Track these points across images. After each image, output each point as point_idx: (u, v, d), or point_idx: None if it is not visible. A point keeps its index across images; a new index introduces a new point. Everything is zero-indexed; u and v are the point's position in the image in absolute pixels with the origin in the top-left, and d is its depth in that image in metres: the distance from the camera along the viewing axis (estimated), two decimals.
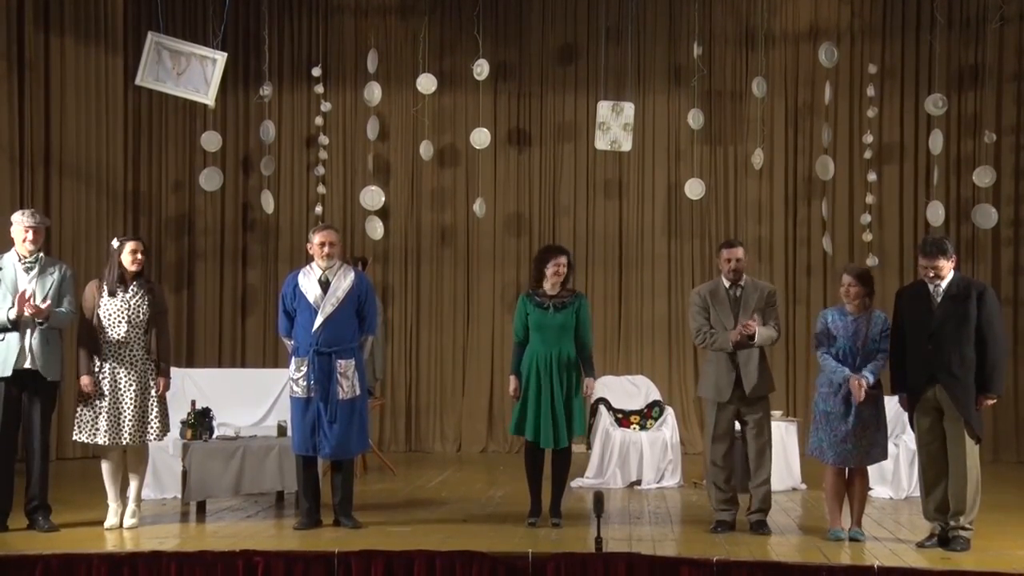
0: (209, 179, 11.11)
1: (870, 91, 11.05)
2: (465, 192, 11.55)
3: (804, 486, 8.83)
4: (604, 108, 10.87)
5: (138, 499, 7.03)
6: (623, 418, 9.29)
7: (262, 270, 11.55)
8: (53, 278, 6.86)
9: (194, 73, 9.84)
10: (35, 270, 6.82)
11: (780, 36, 11.48)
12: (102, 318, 6.85)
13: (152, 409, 6.89)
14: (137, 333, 6.87)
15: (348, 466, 7.09)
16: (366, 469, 9.59)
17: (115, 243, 6.99)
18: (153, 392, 6.90)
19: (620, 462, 8.97)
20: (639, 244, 11.53)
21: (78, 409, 6.87)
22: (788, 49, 11.49)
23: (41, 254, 6.90)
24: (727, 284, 7.08)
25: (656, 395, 9.64)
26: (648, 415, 9.32)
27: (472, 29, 11.25)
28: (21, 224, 6.85)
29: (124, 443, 6.85)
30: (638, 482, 8.95)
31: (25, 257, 6.84)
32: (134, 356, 6.86)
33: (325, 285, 6.95)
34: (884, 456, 6.90)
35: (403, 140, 11.62)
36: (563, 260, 7.18)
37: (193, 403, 7.68)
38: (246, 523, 7.22)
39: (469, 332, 11.53)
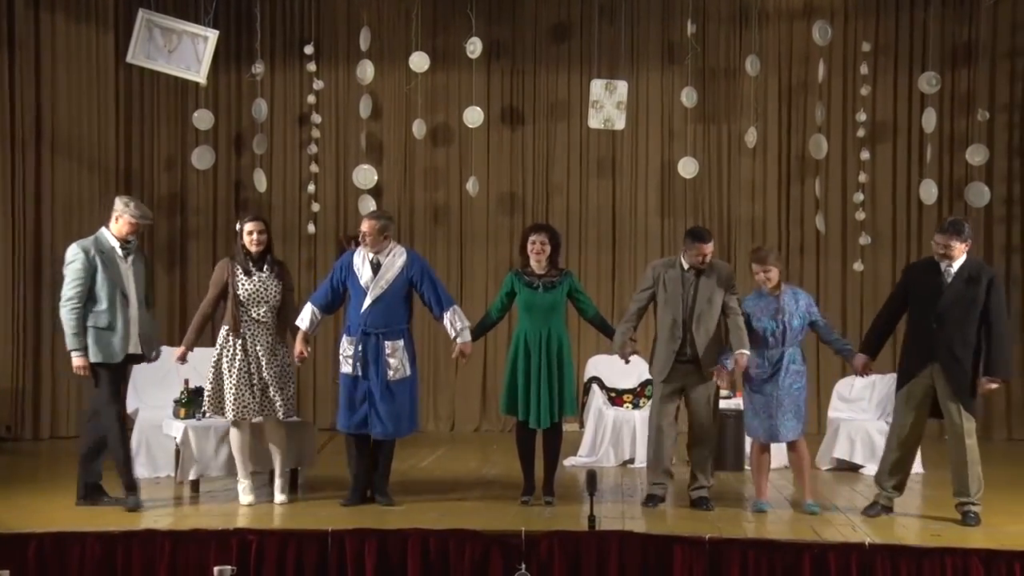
0: (201, 157, 11.06)
1: (863, 69, 11.02)
2: (458, 171, 11.52)
3: None
4: (597, 86, 10.84)
5: (284, 475, 7.19)
6: (616, 397, 9.30)
7: None
8: (144, 262, 6.98)
9: (185, 51, 9.78)
10: (132, 255, 6.89)
11: (774, 14, 11.43)
12: (241, 298, 6.97)
13: (288, 386, 7.08)
14: (271, 314, 7.04)
15: (389, 445, 7.16)
16: None
17: (238, 225, 7.13)
18: (288, 370, 7.08)
19: (613, 441, 8.99)
20: (632, 222, 11.51)
21: (213, 384, 7.00)
22: (782, 27, 11.45)
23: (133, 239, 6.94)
24: (685, 266, 7.02)
25: (648, 374, 9.64)
26: (641, 394, 9.33)
27: (465, 7, 11.17)
28: (130, 217, 6.81)
29: (262, 419, 7.03)
30: (631, 461, 8.97)
31: (125, 243, 6.87)
32: (269, 335, 7.03)
33: (376, 267, 7.02)
34: (801, 431, 6.93)
35: (396, 118, 11.57)
36: (541, 238, 7.16)
37: (187, 382, 7.69)
38: (239, 502, 7.22)
39: (462, 310, 11.49)
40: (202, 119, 11.01)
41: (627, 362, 7.34)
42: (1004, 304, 6.61)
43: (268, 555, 5.92)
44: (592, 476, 6.32)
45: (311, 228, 11.17)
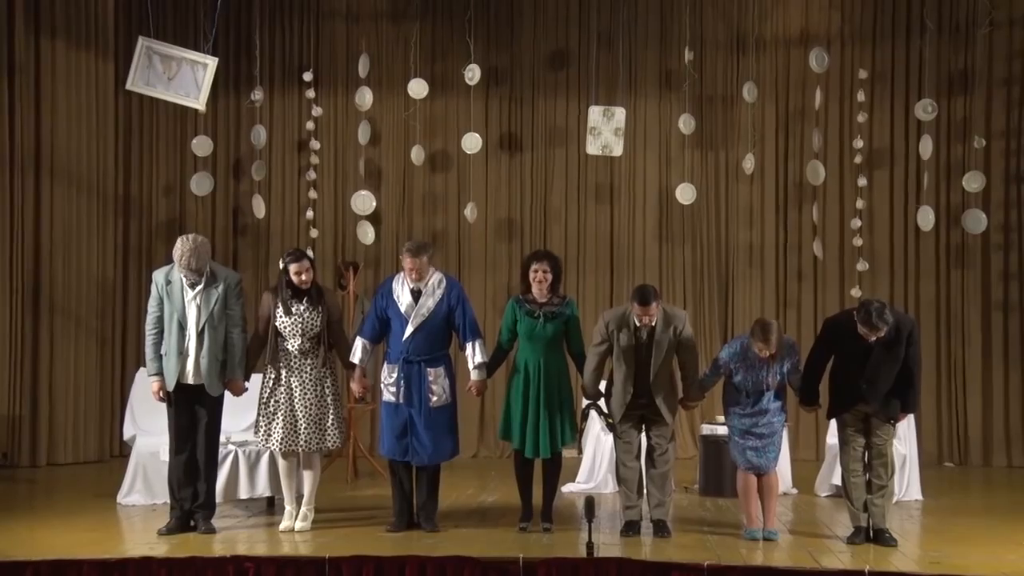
0: (200, 184, 11.08)
1: (860, 96, 11.07)
2: (456, 197, 11.54)
3: (795, 490, 8.84)
4: (595, 113, 10.88)
5: (310, 503, 7.15)
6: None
7: (253, 275, 11.50)
8: (218, 292, 6.92)
9: (185, 77, 9.82)
10: (200, 286, 6.89)
11: (771, 41, 11.49)
12: (280, 329, 7.00)
13: (328, 416, 7.02)
14: (311, 344, 7.02)
15: (434, 471, 7.14)
16: (357, 475, 9.59)
17: (281, 264, 7.15)
18: (330, 399, 7.03)
19: (611, 467, 8.94)
20: (630, 249, 11.52)
21: (258, 413, 7.05)
22: (779, 54, 11.51)
23: (207, 270, 6.94)
24: (637, 324, 6.92)
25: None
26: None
27: (464, 34, 11.24)
28: (174, 252, 6.91)
29: (300, 449, 7.01)
30: None
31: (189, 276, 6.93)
32: (308, 365, 7.00)
33: (416, 295, 7.04)
34: (775, 463, 7.11)
35: (394, 145, 11.60)
36: (544, 267, 7.12)
37: None
38: (237, 529, 7.20)
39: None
40: (201, 145, 11.04)
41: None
42: (919, 352, 6.90)
43: None
44: (590, 502, 6.29)
45: (309, 254, 11.15)
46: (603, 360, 7.12)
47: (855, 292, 10.94)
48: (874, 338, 6.59)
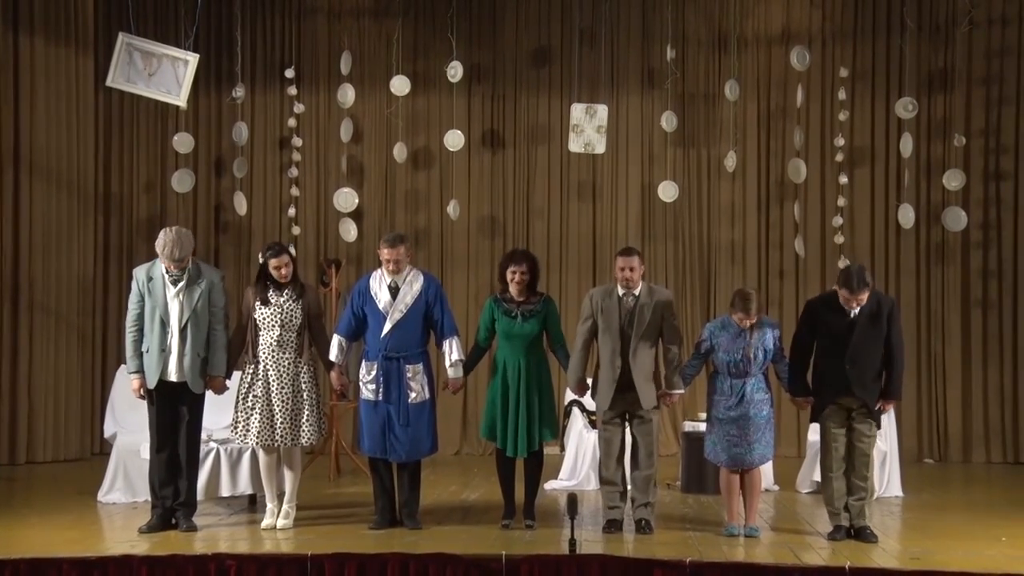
0: (181, 181, 11.04)
1: (841, 94, 11.12)
2: (439, 194, 11.53)
3: (777, 487, 8.88)
4: (577, 110, 10.89)
5: (292, 501, 7.11)
6: (596, 420, 9.28)
7: (235, 272, 11.44)
8: (201, 288, 6.89)
9: (166, 74, 9.78)
10: (183, 281, 6.86)
11: (752, 39, 11.52)
12: (258, 322, 6.97)
13: (303, 412, 6.98)
14: (290, 336, 6.99)
15: (415, 468, 7.14)
16: (339, 472, 9.57)
17: (260, 258, 7.10)
18: (305, 395, 6.99)
19: (594, 464, 8.96)
20: (612, 246, 11.50)
21: (236, 409, 7.01)
22: (760, 52, 11.54)
23: (189, 264, 6.90)
24: (620, 291, 7.04)
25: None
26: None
27: (446, 31, 11.23)
28: (157, 247, 6.90)
29: (276, 445, 6.98)
30: None
31: (171, 271, 6.88)
32: (286, 359, 6.97)
33: (394, 291, 7.03)
34: (770, 456, 7.15)
35: (377, 142, 11.59)
36: (521, 269, 7.13)
37: None
38: (218, 526, 7.18)
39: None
40: (182, 142, 11.00)
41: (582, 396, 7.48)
42: (902, 331, 6.93)
43: None
44: (573, 500, 6.31)
45: (291, 251, 11.14)
46: (589, 341, 7.10)
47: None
48: (856, 305, 6.64)
